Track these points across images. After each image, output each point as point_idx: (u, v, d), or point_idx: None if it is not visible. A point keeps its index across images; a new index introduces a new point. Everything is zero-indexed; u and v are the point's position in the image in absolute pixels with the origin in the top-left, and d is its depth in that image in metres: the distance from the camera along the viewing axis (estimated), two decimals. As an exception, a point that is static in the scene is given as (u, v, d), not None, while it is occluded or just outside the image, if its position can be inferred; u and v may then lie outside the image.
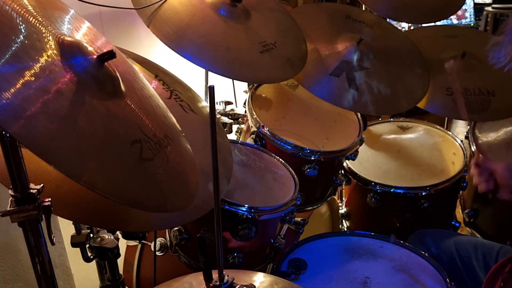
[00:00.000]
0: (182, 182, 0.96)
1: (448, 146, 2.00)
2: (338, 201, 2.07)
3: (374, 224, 1.91)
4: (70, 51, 0.81)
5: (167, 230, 1.43)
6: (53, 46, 0.78)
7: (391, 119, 2.18)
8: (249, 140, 1.72)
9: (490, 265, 1.33)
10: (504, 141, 1.84)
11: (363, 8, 2.51)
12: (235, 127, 1.94)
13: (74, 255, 1.71)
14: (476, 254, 1.45)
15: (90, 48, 0.85)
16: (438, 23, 3.07)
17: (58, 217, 1.55)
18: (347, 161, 1.89)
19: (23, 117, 0.66)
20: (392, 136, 2.10)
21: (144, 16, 1.39)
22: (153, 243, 1.45)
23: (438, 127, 2.10)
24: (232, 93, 2.20)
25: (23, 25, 0.76)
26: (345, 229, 2.02)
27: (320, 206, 1.87)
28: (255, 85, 1.90)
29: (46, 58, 0.75)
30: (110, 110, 0.83)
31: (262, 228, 1.40)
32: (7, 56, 0.69)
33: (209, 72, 1.89)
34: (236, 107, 2.05)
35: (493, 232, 1.87)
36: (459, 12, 3.70)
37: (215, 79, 1.60)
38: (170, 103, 1.32)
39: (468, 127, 1.95)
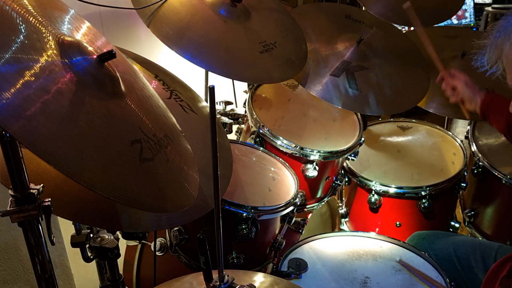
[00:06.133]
0: (182, 182, 0.96)
1: (448, 146, 2.00)
2: (338, 201, 2.07)
3: (374, 224, 1.91)
4: (70, 51, 0.81)
5: (167, 230, 1.43)
6: (53, 46, 0.78)
7: (391, 119, 2.18)
8: (249, 140, 1.72)
9: (489, 265, 1.33)
10: (504, 142, 1.84)
11: (363, 8, 2.51)
12: (235, 127, 1.94)
13: (74, 255, 1.71)
14: (474, 255, 1.45)
15: (90, 48, 0.85)
16: (438, 23, 3.06)
17: (58, 217, 1.55)
18: (347, 161, 1.89)
19: (23, 117, 0.66)
20: (392, 136, 2.10)
21: (144, 16, 1.39)
22: (153, 243, 1.45)
23: (438, 127, 2.10)
24: (232, 93, 2.20)
25: (23, 25, 0.76)
26: (345, 229, 2.02)
27: (320, 206, 1.87)
28: (255, 85, 1.90)
29: (46, 58, 0.75)
30: (110, 110, 0.83)
31: (262, 228, 1.40)
32: (7, 56, 0.69)
33: (209, 72, 1.89)
34: (236, 107, 2.05)
35: (493, 232, 1.87)
36: (459, 12, 3.70)
37: (215, 79, 1.60)
38: (170, 103, 1.32)
39: (468, 127, 1.95)
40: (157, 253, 1.46)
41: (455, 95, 1.71)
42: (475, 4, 3.87)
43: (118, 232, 1.18)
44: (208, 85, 1.44)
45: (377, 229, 1.90)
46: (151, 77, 1.38)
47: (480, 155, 1.81)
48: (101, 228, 1.11)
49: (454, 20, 3.81)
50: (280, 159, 1.62)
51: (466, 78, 1.69)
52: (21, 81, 0.68)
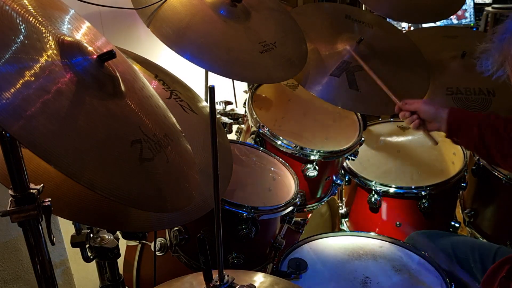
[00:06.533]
0: (182, 182, 0.96)
1: (448, 146, 2.00)
2: (338, 201, 2.07)
3: (374, 224, 1.91)
4: (70, 51, 0.81)
5: (167, 230, 1.43)
6: (53, 46, 0.78)
7: (391, 119, 2.18)
8: (249, 140, 1.72)
9: (487, 266, 1.33)
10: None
11: (363, 8, 2.51)
12: (235, 127, 1.94)
13: (74, 255, 1.71)
14: (473, 256, 1.45)
15: (90, 48, 0.85)
16: (438, 23, 3.07)
17: (58, 217, 1.55)
18: (347, 161, 1.89)
19: (23, 117, 0.66)
20: (392, 136, 2.10)
21: (144, 16, 1.39)
22: (153, 243, 1.45)
23: (438, 127, 2.10)
24: (232, 93, 2.20)
25: (23, 25, 0.76)
26: (345, 229, 2.02)
27: (320, 206, 1.87)
28: (255, 85, 1.90)
29: (46, 58, 0.75)
30: (110, 110, 0.83)
31: (262, 228, 1.40)
32: (7, 56, 0.69)
33: (209, 72, 1.89)
34: (236, 107, 2.05)
35: (493, 232, 1.87)
36: (459, 12, 3.70)
37: (215, 79, 1.60)
38: (170, 103, 1.32)
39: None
40: (157, 253, 1.46)
41: (414, 119, 1.57)
42: (475, 4, 3.87)
43: (118, 232, 1.18)
44: (208, 85, 1.44)
45: (377, 229, 1.90)
46: (151, 77, 1.38)
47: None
48: (101, 228, 1.11)
49: (454, 20, 3.81)
50: (280, 159, 1.62)
51: (424, 99, 1.62)
52: (21, 81, 0.68)
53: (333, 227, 2.09)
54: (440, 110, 1.53)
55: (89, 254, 1.13)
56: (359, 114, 1.89)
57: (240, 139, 1.93)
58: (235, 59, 1.49)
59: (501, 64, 1.16)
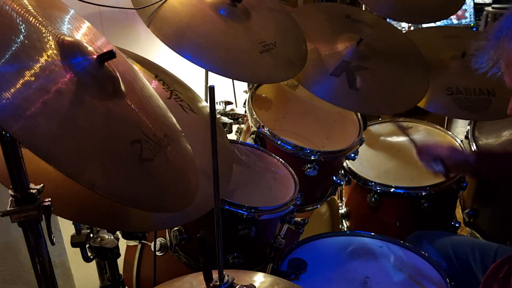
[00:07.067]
0: (182, 182, 0.96)
1: (448, 146, 2.00)
2: (338, 201, 2.07)
3: (374, 224, 1.91)
4: (70, 51, 0.81)
5: (167, 230, 1.43)
6: (53, 46, 0.78)
7: (391, 119, 2.18)
8: (249, 140, 1.72)
9: (488, 265, 1.33)
10: (504, 142, 1.84)
11: (363, 8, 2.51)
12: (235, 127, 1.94)
13: (74, 255, 1.71)
14: (473, 255, 1.45)
15: (90, 48, 0.85)
16: (438, 23, 3.07)
17: (58, 217, 1.55)
18: (347, 161, 1.89)
19: (23, 117, 0.66)
20: (392, 136, 2.09)
21: (144, 16, 1.39)
22: (153, 243, 1.45)
23: (438, 127, 2.10)
24: (232, 93, 2.20)
25: (23, 25, 0.76)
26: (345, 229, 2.02)
27: (320, 206, 1.87)
28: (255, 85, 1.90)
29: (46, 58, 0.75)
30: (110, 110, 0.83)
31: (262, 228, 1.40)
32: (7, 56, 0.69)
33: (209, 72, 1.89)
34: (236, 107, 2.05)
35: (493, 232, 1.87)
36: (459, 12, 3.70)
37: (215, 79, 1.61)
38: (170, 103, 1.32)
39: (468, 127, 1.95)
40: (157, 253, 1.46)
41: (438, 165, 1.54)
42: (475, 4, 3.87)
43: (118, 232, 1.18)
44: (208, 85, 1.44)
45: (377, 229, 1.90)
46: (151, 77, 1.38)
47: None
48: (101, 228, 1.12)
49: (454, 20, 3.81)
50: (280, 159, 1.62)
51: (448, 146, 1.59)
52: (21, 81, 0.68)
53: (333, 227, 2.09)
54: (468, 158, 1.54)
55: (89, 254, 1.13)
56: (359, 114, 1.89)
57: (240, 139, 1.93)
58: (235, 59, 1.49)
59: (496, 61, 1.16)
